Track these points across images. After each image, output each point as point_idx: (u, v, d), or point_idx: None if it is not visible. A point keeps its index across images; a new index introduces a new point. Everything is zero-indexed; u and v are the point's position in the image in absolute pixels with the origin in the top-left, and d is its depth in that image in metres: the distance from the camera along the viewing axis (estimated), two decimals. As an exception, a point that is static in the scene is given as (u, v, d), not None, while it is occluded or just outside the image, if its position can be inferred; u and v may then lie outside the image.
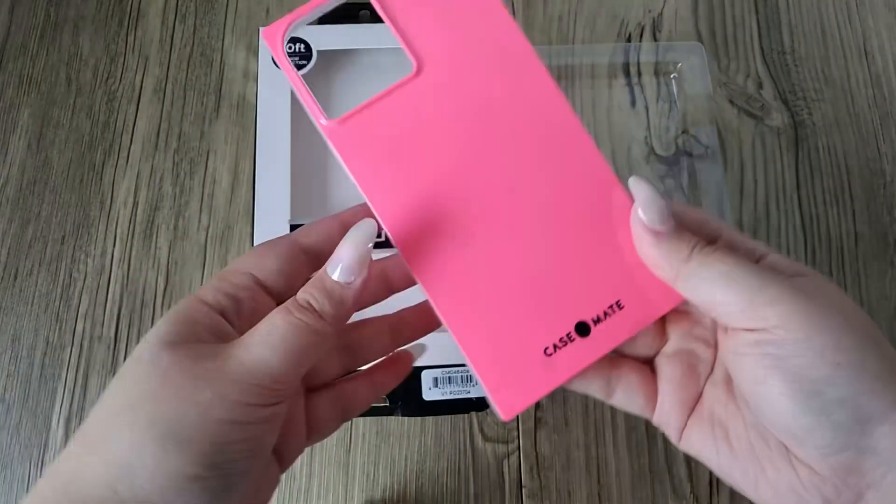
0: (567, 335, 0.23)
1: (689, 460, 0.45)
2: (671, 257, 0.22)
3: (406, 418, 0.45)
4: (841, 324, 0.21)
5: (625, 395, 0.25)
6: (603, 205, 0.24)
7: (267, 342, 0.21)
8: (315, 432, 0.26)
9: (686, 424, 0.24)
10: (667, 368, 0.25)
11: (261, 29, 0.26)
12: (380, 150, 0.24)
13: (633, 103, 0.53)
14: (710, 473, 0.44)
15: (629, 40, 0.55)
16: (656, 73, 0.53)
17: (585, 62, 0.53)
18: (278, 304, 0.23)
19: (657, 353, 0.25)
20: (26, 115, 0.52)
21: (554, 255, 0.23)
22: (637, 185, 0.23)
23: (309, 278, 0.23)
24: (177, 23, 0.54)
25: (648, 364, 0.26)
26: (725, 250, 0.22)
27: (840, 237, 0.50)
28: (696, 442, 0.24)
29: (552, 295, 0.23)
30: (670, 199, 0.23)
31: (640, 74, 0.53)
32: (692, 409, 0.24)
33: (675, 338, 0.25)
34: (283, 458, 0.25)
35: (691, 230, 0.23)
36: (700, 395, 0.24)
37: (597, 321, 0.23)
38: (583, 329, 0.23)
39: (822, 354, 0.20)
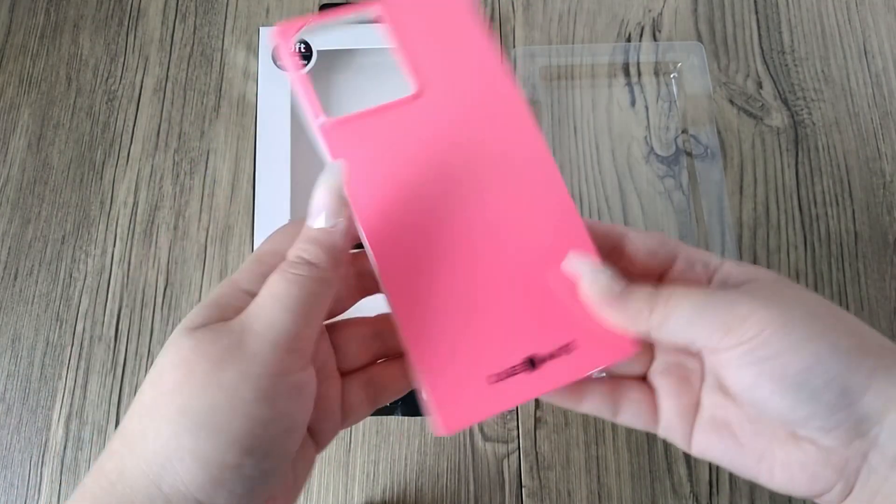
0: (516, 366, 0.24)
1: (689, 460, 0.45)
2: (635, 319, 0.23)
3: (406, 418, 0.45)
4: (806, 314, 0.22)
5: (630, 413, 0.26)
6: (569, 247, 0.24)
7: (272, 303, 0.21)
8: (348, 415, 0.26)
9: (692, 432, 0.25)
10: (662, 383, 0.26)
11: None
12: (368, 158, 0.24)
13: (633, 103, 0.53)
14: (710, 473, 0.44)
15: (629, 40, 0.55)
16: (656, 73, 0.53)
17: (585, 62, 0.53)
18: None
19: (647, 369, 0.26)
20: (26, 115, 0.52)
21: (516, 288, 0.24)
22: (577, 265, 0.24)
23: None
24: (177, 23, 0.54)
25: (643, 380, 0.26)
26: (680, 290, 0.23)
27: (840, 237, 0.50)
28: (706, 447, 0.25)
29: (509, 326, 0.24)
30: (612, 268, 0.24)
31: (639, 74, 0.53)
32: (695, 417, 0.25)
33: (662, 354, 0.26)
34: (319, 440, 0.25)
35: (647, 257, 0.25)
36: (699, 403, 0.25)
37: (547, 358, 0.24)
38: (532, 363, 0.24)
39: (799, 348, 0.22)
